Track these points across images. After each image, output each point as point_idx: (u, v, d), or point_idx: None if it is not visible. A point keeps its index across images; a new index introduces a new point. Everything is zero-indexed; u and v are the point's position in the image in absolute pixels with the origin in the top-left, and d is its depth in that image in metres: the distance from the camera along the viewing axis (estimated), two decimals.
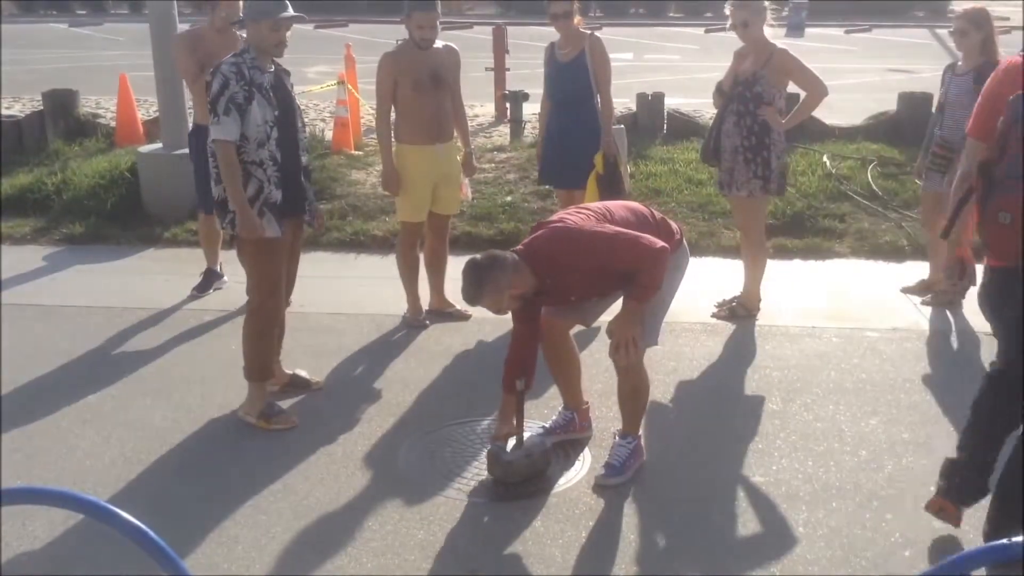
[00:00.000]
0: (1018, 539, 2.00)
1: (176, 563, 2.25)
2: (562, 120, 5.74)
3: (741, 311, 5.70)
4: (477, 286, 3.62)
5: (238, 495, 3.78)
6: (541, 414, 4.46)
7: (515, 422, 3.91)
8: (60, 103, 9.97)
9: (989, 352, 5.14)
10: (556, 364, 4.17)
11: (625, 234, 3.68)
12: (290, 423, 4.38)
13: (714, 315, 5.74)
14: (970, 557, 2.09)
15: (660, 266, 3.67)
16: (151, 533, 2.22)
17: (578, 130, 5.67)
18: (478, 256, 3.69)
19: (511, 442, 3.88)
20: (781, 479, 3.88)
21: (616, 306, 3.91)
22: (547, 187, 7.05)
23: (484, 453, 4.08)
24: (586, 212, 3.83)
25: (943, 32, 21.13)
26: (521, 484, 3.80)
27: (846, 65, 18.22)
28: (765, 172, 5.44)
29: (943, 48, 19.65)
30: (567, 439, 4.19)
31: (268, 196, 4.21)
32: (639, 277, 3.69)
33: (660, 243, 3.66)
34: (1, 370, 4.92)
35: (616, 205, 3.97)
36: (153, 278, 6.59)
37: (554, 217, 3.90)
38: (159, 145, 8.02)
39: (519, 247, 3.76)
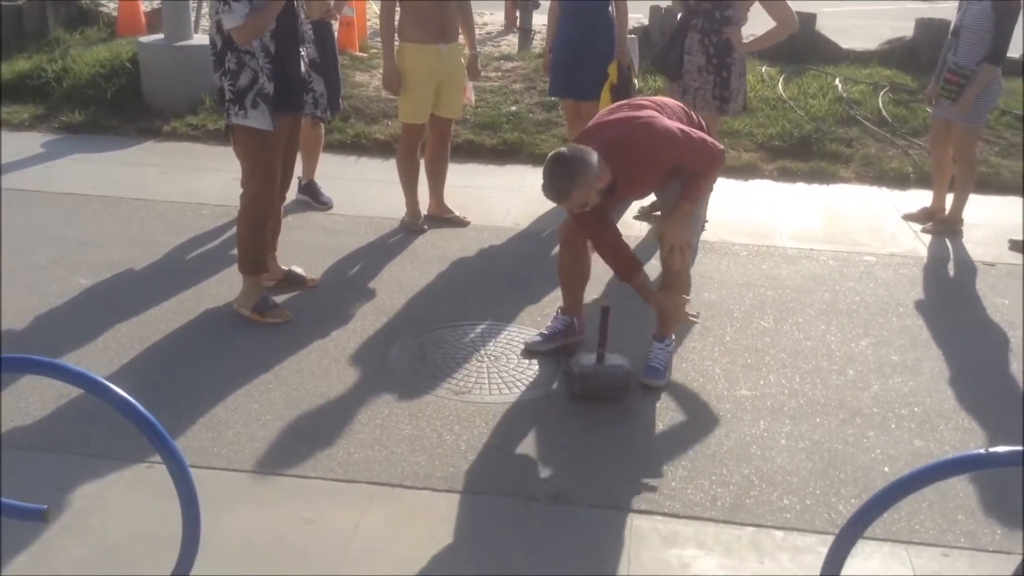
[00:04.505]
0: (994, 449, 2.03)
1: (163, 436, 2.27)
2: (575, 27, 5.59)
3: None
4: (569, 179, 3.48)
5: (230, 384, 3.81)
6: (535, 321, 4.48)
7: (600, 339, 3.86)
8: None
9: (985, 281, 5.17)
10: (571, 268, 4.14)
11: (695, 134, 3.72)
12: (284, 317, 4.39)
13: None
14: (947, 464, 2.12)
15: (719, 168, 3.82)
16: (140, 407, 2.24)
17: (591, 38, 5.54)
18: (562, 150, 3.55)
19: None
20: (767, 393, 3.91)
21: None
22: (552, 98, 6.93)
23: (475, 355, 4.12)
24: (651, 105, 3.83)
25: None
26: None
27: None
28: (723, 92, 5.35)
29: None
30: (566, 343, 4.22)
31: (261, 87, 4.12)
32: (699, 179, 3.76)
33: (720, 145, 3.77)
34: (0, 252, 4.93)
35: (666, 100, 3.98)
36: (152, 170, 6.54)
37: (620, 111, 3.84)
38: (160, 36, 7.88)
39: (588, 141, 3.64)
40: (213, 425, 3.53)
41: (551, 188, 3.54)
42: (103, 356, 4.02)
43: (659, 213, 5.65)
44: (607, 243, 3.85)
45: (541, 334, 4.26)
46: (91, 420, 3.46)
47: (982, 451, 2.09)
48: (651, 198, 5.62)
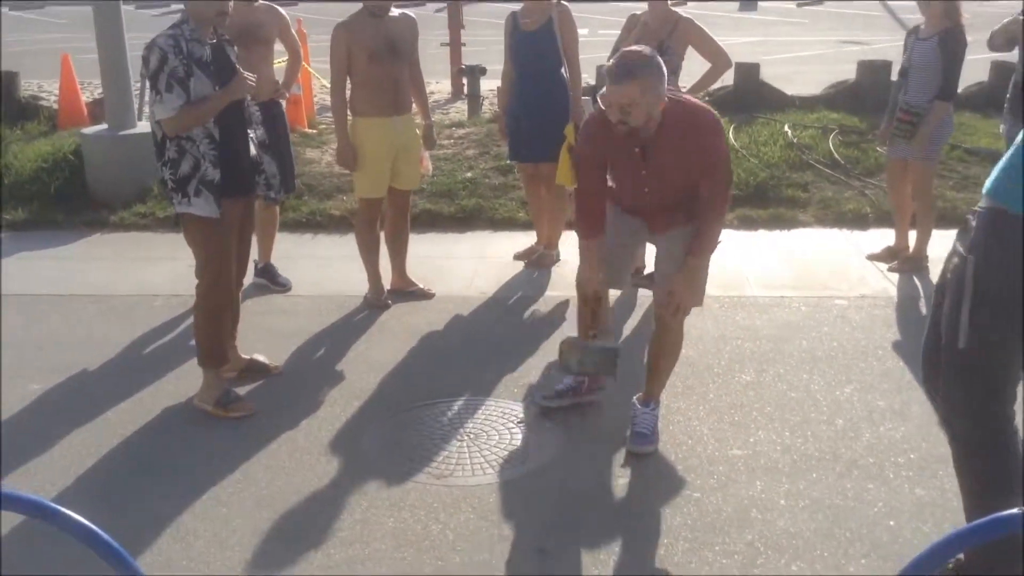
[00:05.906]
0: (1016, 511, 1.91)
1: (128, 563, 2.08)
2: (530, 92, 5.60)
3: None
4: (643, 65, 3.32)
5: (196, 487, 3.59)
6: (511, 392, 4.32)
7: (591, 329, 3.93)
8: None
9: None
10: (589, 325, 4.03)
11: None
12: (248, 410, 4.18)
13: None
14: (971, 532, 1.99)
15: (725, 211, 3.75)
16: (100, 532, 2.05)
17: (547, 101, 5.54)
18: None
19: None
20: (759, 451, 3.79)
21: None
22: (509, 162, 6.88)
23: (454, 435, 3.95)
24: None
25: (894, 4, 21.27)
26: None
27: (800, 38, 18.26)
28: None
29: (894, 20, 19.74)
30: (575, 403, 4.14)
31: (204, 174, 3.99)
32: (707, 228, 3.67)
33: None
34: None
35: None
36: (100, 264, 6.33)
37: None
38: (104, 126, 7.73)
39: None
40: (180, 535, 3.30)
41: (622, 66, 3.33)
42: (58, 467, 3.78)
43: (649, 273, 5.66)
44: (592, 192, 3.79)
45: (556, 390, 4.16)
46: (50, 542, 3.20)
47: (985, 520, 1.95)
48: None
